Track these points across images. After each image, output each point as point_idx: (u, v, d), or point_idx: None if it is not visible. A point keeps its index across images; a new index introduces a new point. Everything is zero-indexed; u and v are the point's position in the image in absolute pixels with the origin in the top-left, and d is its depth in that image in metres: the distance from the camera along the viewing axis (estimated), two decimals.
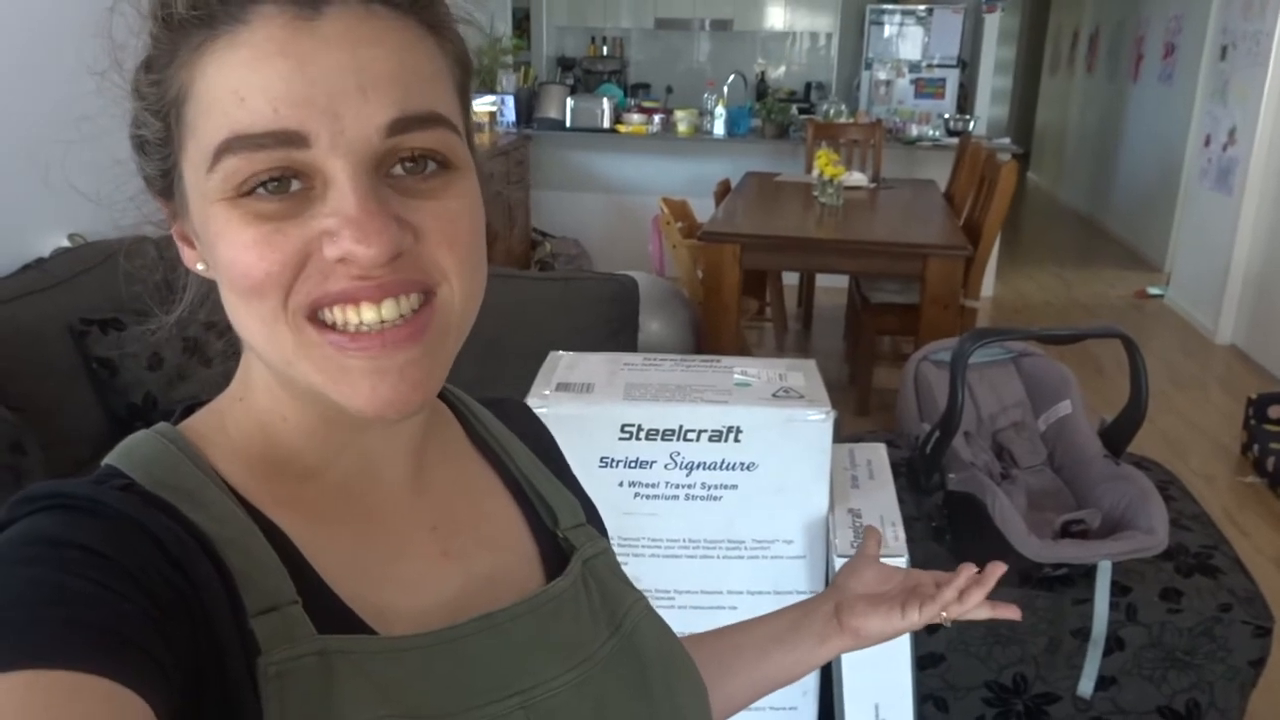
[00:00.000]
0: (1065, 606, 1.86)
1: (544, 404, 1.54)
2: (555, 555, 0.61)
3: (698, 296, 3.68)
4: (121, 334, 2.28)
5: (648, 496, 1.56)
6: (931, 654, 1.93)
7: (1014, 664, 1.90)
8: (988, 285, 5.22)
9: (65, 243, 2.55)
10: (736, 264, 3.33)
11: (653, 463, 1.54)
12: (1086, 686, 1.80)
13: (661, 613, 1.74)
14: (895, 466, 1.91)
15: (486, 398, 0.68)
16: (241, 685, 0.43)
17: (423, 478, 0.57)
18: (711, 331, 3.47)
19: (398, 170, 0.46)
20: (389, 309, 0.46)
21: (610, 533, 1.69)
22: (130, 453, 0.49)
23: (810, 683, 1.65)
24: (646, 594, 1.71)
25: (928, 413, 1.99)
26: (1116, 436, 1.94)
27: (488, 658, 0.52)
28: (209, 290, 0.53)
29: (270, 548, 0.47)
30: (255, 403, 0.52)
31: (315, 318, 0.46)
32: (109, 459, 0.49)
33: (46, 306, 2.24)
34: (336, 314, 0.46)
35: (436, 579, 0.54)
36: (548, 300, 2.50)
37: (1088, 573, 1.81)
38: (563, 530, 0.62)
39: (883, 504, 1.57)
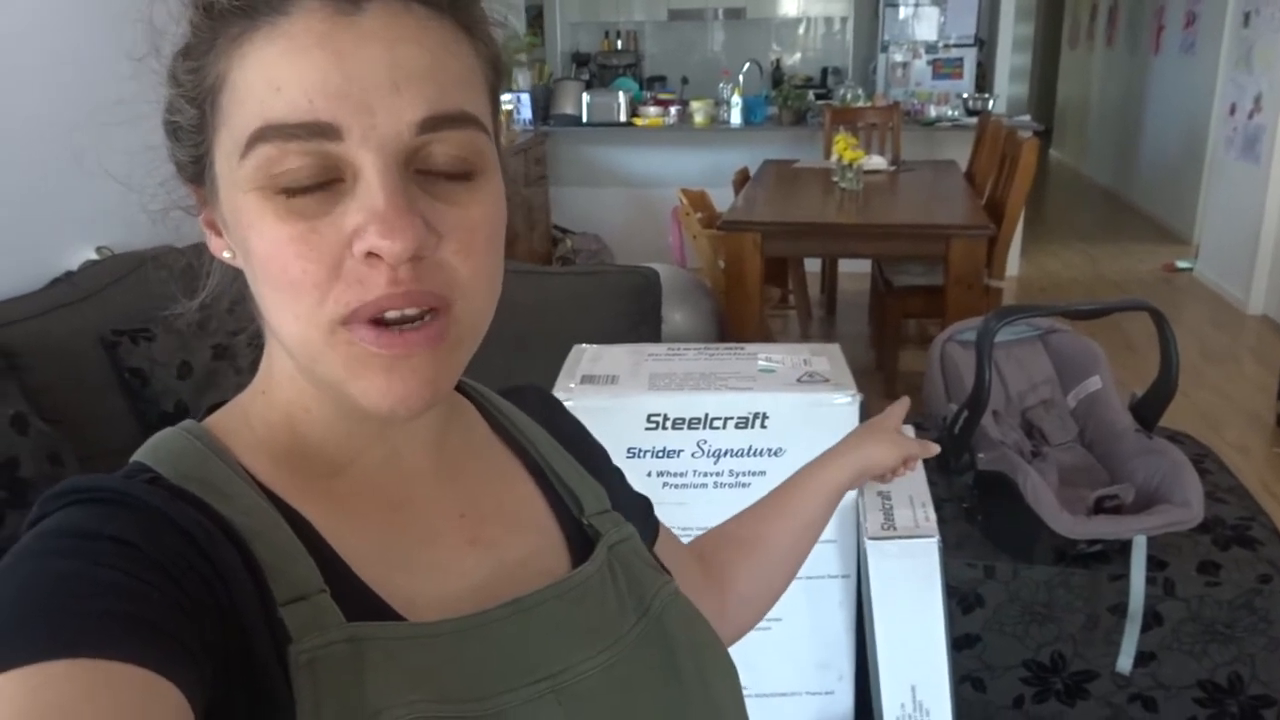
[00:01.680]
0: (1101, 583, 1.84)
1: (569, 397, 1.55)
2: (581, 542, 0.61)
3: (720, 286, 3.67)
4: (152, 344, 2.31)
5: (676, 486, 1.56)
6: (967, 635, 1.92)
7: (1051, 642, 1.89)
8: (1012, 265, 5.18)
9: (93, 255, 2.59)
10: (758, 252, 3.32)
11: (680, 451, 1.55)
12: (1125, 663, 1.78)
13: None
14: None
15: (505, 388, 0.69)
16: (273, 674, 0.44)
17: (448, 467, 0.58)
18: (735, 321, 3.47)
19: (426, 169, 0.47)
20: (411, 310, 0.47)
21: None
22: (157, 449, 0.50)
23: (845, 667, 1.64)
24: None
25: (955, 393, 1.98)
26: (1148, 411, 1.92)
27: (517, 642, 0.52)
28: (233, 277, 0.54)
29: (296, 538, 0.48)
30: (278, 395, 0.53)
31: (346, 320, 0.47)
32: (137, 455, 0.50)
33: (77, 319, 2.28)
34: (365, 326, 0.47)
35: (465, 566, 0.55)
36: (571, 295, 2.51)
37: (1123, 548, 1.79)
38: (588, 517, 0.62)
39: (912, 485, 1.56)
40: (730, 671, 0.63)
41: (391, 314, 0.46)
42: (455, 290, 0.48)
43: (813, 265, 5.04)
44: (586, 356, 1.71)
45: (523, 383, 0.72)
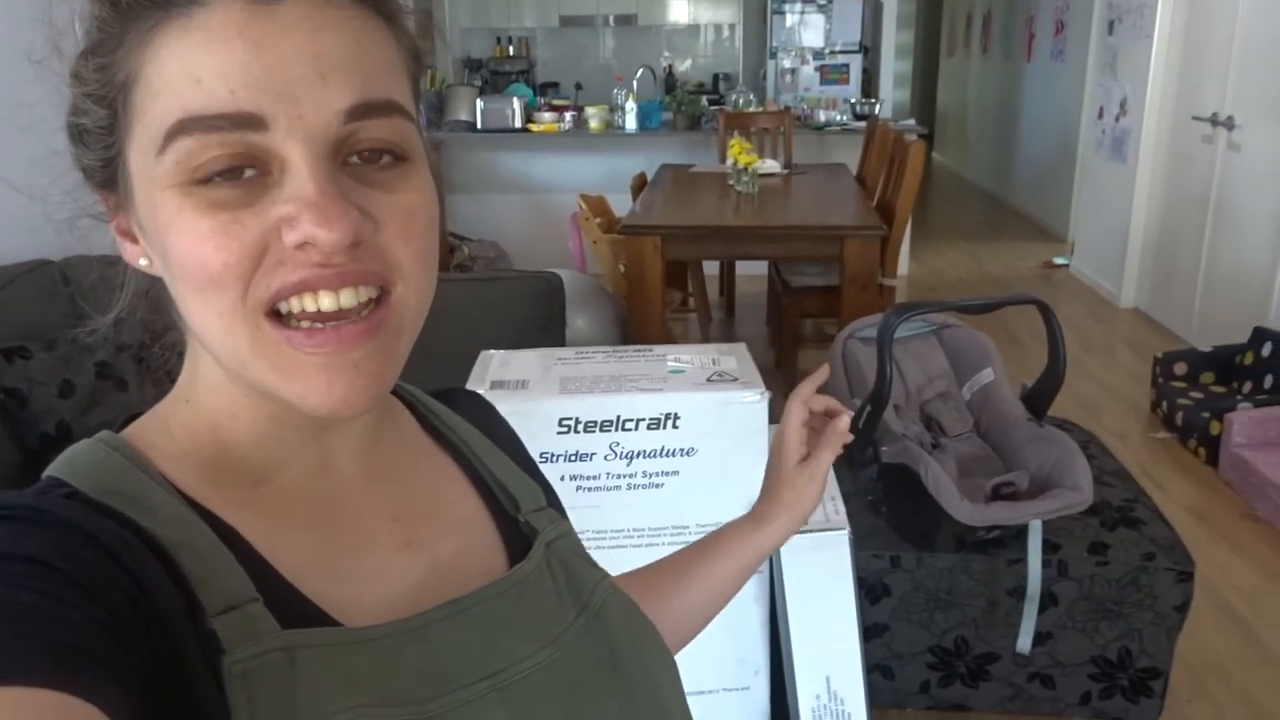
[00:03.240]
0: (1000, 568, 1.92)
1: None
2: (518, 540, 0.60)
3: (621, 290, 3.68)
4: (29, 362, 2.19)
5: (590, 489, 1.56)
6: (876, 624, 1.98)
7: (955, 627, 1.96)
8: (902, 264, 5.34)
9: None
10: (658, 255, 3.35)
11: (593, 454, 1.54)
12: (1025, 643, 1.86)
13: None
14: None
15: (437, 389, 0.67)
16: (207, 687, 0.43)
17: (380, 470, 0.56)
18: (638, 324, 3.48)
19: (354, 160, 0.45)
20: (347, 297, 0.45)
21: None
22: (73, 462, 0.48)
23: (760, 661, 1.67)
24: None
25: (858, 388, 2.03)
26: (1038, 400, 2.01)
27: (457, 642, 0.51)
28: (147, 287, 0.52)
29: (225, 548, 0.46)
30: (203, 403, 0.51)
31: (273, 313, 0.45)
32: (51, 470, 0.47)
33: None
34: (293, 302, 0.45)
35: (401, 569, 0.54)
36: (473, 301, 2.48)
37: (1020, 533, 1.87)
38: (524, 515, 0.61)
39: None
40: (670, 664, 0.63)
41: (326, 301, 0.44)
42: (395, 273, 0.47)
43: (711, 268, 5.11)
44: (495, 362, 1.69)
45: (454, 387, 0.71)
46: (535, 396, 1.55)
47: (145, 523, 0.45)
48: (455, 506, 0.60)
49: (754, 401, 1.53)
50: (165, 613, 0.42)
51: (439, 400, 0.65)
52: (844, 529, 1.45)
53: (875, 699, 2.05)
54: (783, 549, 1.48)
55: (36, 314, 2.26)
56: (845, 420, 0.84)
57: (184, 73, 0.43)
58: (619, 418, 1.53)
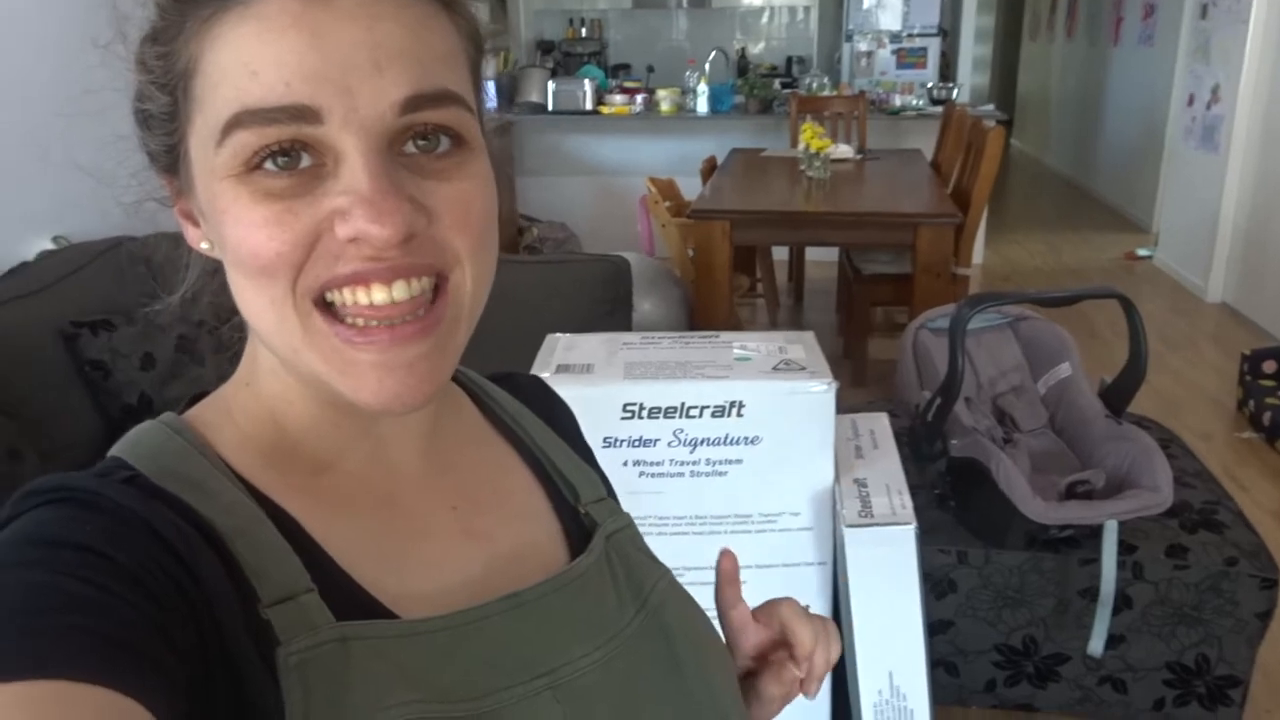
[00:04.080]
0: (1072, 568, 1.86)
1: None
2: (578, 531, 0.59)
3: (689, 275, 3.66)
4: (113, 335, 2.25)
5: (652, 475, 1.55)
6: (940, 620, 1.94)
7: (1023, 626, 1.91)
8: (977, 253, 5.22)
9: (50, 245, 2.52)
10: (727, 240, 3.32)
11: (656, 440, 1.54)
12: (1096, 646, 1.80)
13: None
14: (896, 436, 1.90)
15: (498, 374, 0.66)
16: (259, 678, 0.42)
17: (440, 459, 0.56)
18: (704, 309, 3.46)
19: (410, 149, 0.45)
20: (400, 290, 0.45)
21: None
22: (136, 443, 0.48)
23: None
24: None
25: (928, 380, 1.99)
26: (1117, 396, 1.95)
27: (513, 638, 0.51)
28: (214, 270, 0.52)
29: (281, 536, 0.46)
30: (262, 388, 0.51)
31: (323, 303, 0.45)
32: (115, 449, 0.48)
33: (35, 310, 2.21)
34: (345, 295, 0.45)
35: (459, 560, 0.53)
36: (540, 284, 2.48)
37: (1094, 533, 1.81)
38: (584, 505, 0.61)
39: (888, 473, 1.56)
40: (728, 663, 0.61)
41: (380, 297, 0.44)
42: (452, 261, 0.46)
43: (780, 253, 5.05)
44: (561, 345, 1.69)
45: (515, 371, 0.69)
46: (600, 381, 1.54)
47: (204, 509, 0.45)
48: (515, 496, 0.59)
49: (821, 391, 1.51)
50: (218, 603, 0.42)
51: (500, 385, 0.65)
52: (910, 524, 1.42)
53: (939, 695, 2.01)
54: (847, 542, 1.46)
55: (115, 290, 2.32)
56: (791, 673, 0.64)
57: (240, 63, 0.43)
58: (683, 404, 1.52)
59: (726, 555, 0.71)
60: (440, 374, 0.47)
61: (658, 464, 1.55)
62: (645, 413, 1.53)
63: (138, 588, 0.39)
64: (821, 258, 5.08)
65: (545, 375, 1.57)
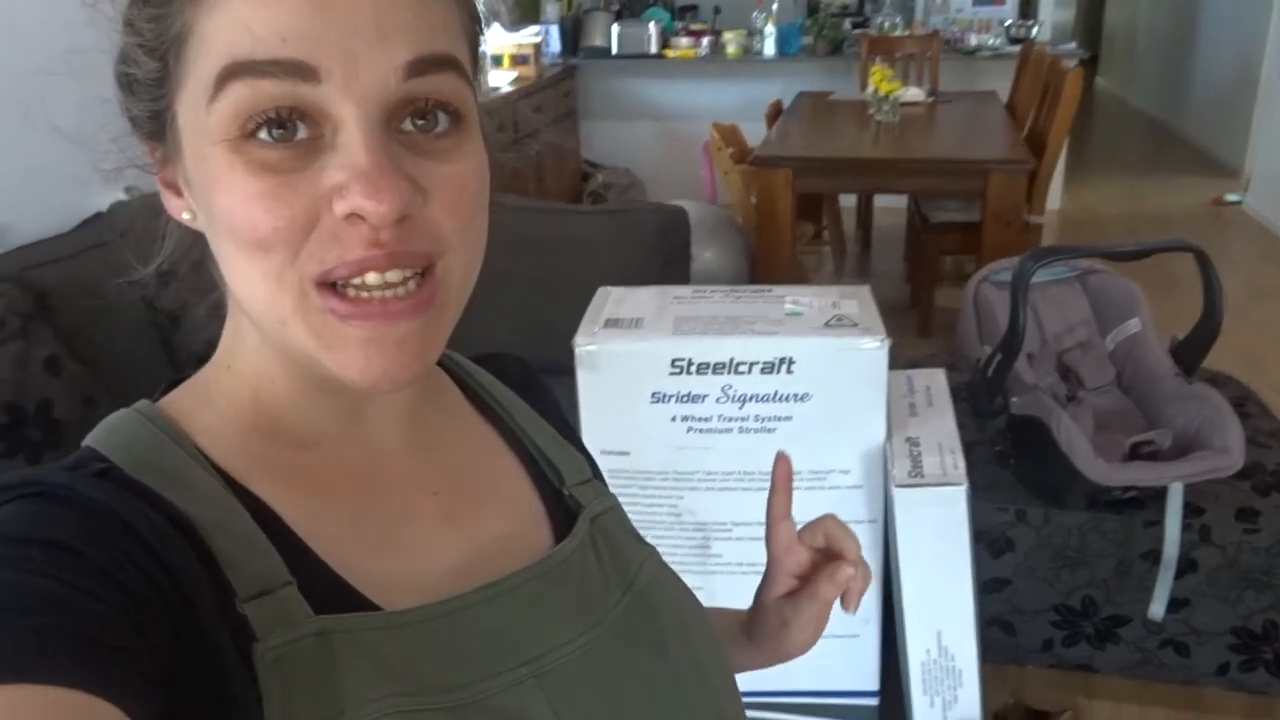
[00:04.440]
0: (1135, 529, 1.82)
1: (593, 341, 1.53)
2: (562, 514, 0.59)
3: (751, 223, 3.61)
4: (180, 285, 2.31)
5: (701, 430, 1.54)
6: (997, 579, 1.91)
7: (1082, 587, 1.87)
8: (1053, 199, 5.05)
9: (123, 196, 2.59)
10: (789, 188, 3.26)
11: (705, 396, 1.53)
12: (1158, 610, 1.76)
13: (719, 546, 1.73)
14: (955, 391, 1.86)
15: (481, 355, 0.65)
16: (237, 675, 0.42)
17: (422, 442, 0.55)
18: (766, 258, 3.42)
19: (408, 126, 0.44)
20: (395, 275, 0.44)
21: (665, 467, 1.67)
22: (110, 434, 0.47)
23: (872, 610, 1.64)
24: (703, 528, 1.69)
25: (989, 335, 1.94)
26: (1189, 354, 1.88)
27: (495, 626, 0.50)
28: (192, 241, 0.51)
29: (259, 528, 0.45)
30: (243, 367, 0.50)
31: (321, 283, 0.44)
32: (89, 440, 0.47)
33: (108, 260, 2.28)
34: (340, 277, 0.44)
35: (441, 545, 0.52)
36: (597, 234, 2.47)
37: (1158, 494, 1.76)
38: (569, 488, 0.60)
39: (942, 431, 1.53)
40: (717, 643, 0.61)
41: (373, 278, 0.43)
42: (442, 246, 0.45)
43: (848, 199, 4.95)
44: (611, 299, 1.68)
45: (499, 351, 0.68)
46: (648, 336, 1.53)
47: (179, 501, 0.44)
48: (498, 479, 0.59)
49: (873, 349, 1.47)
50: (195, 599, 0.42)
51: (484, 366, 0.64)
52: (962, 484, 1.40)
53: (994, 654, 2.00)
54: (897, 502, 1.44)
55: (187, 242, 2.38)
56: (846, 571, 0.70)
57: (236, 20, 0.41)
58: (732, 360, 1.51)
59: (782, 459, 0.73)
60: (429, 352, 0.47)
61: (706, 420, 1.54)
62: (694, 368, 1.52)
63: (111, 585, 0.39)
64: (891, 204, 4.96)
65: (595, 329, 1.56)
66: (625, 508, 1.77)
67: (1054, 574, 1.88)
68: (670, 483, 1.58)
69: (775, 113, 4.30)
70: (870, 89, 3.94)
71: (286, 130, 0.42)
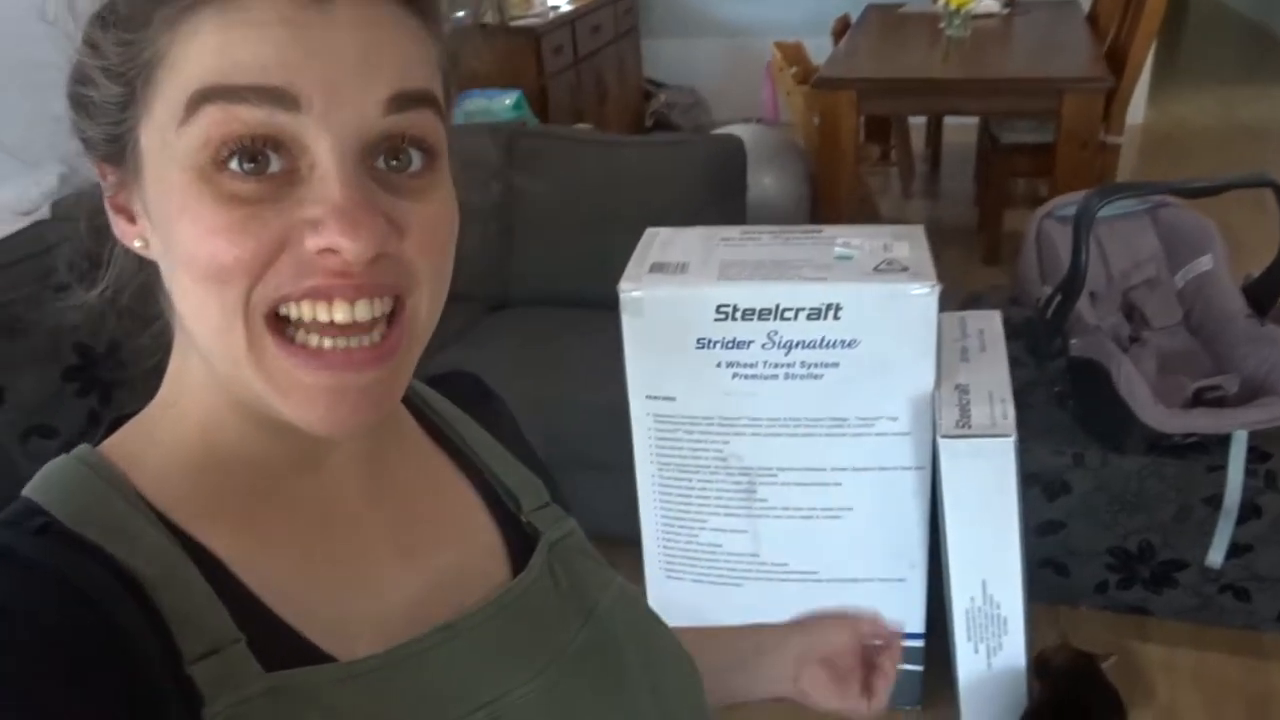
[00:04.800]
0: (1197, 474, 1.77)
1: (638, 287, 1.52)
2: (520, 541, 0.57)
3: (814, 146, 3.52)
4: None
5: (746, 377, 1.54)
6: (1051, 521, 1.89)
7: (1139, 531, 1.84)
8: (1137, 112, 4.81)
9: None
10: (854, 110, 3.15)
11: (750, 343, 1.51)
12: (1216, 558, 1.73)
13: (764, 490, 1.73)
14: (1016, 326, 1.81)
15: (434, 376, 0.63)
16: None
17: (376, 477, 0.53)
18: (828, 184, 3.33)
19: (380, 164, 0.43)
20: (362, 310, 0.43)
21: (710, 412, 1.67)
22: (48, 485, 0.45)
23: (918, 555, 1.64)
24: (749, 473, 1.69)
25: (1050, 274, 1.88)
26: (1263, 293, 1.79)
27: (451, 670, 0.49)
28: (138, 269, 0.49)
29: (206, 583, 0.44)
30: (190, 407, 0.48)
31: (275, 318, 0.43)
32: (27, 490, 0.45)
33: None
34: (304, 309, 0.42)
35: (397, 582, 0.51)
36: (650, 166, 2.43)
37: (1222, 439, 1.71)
38: (526, 514, 0.59)
39: (993, 379, 1.50)
40: (684, 671, 0.59)
41: (340, 314, 0.42)
42: (411, 283, 0.44)
43: (918, 117, 4.78)
44: (658, 241, 1.67)
45: (452, 370, 0.66)
46: (694, 282, 1.52)
47: (123, 556, 0.43)
48: (454, 511, 0.57)
49: (922, 294, 1.44)
50: (142, 661, 0.40)
51: (437, 388, 0.62)
52: (1009, 436, 1.37)
53: (1048, 595, 1.98)
54: (943, 452, 1.42)
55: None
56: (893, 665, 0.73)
57: (214, 47, 0.40)
58: (778, 306, 1.49)
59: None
60: (392, 398, 0.46)
61: (751, 366, 1.53)
62: (739, 315, 1.51)
63: (55, 648, 0.38)
64: (963, 120, 4.78)
65: (640, 274, 1.55)
66: (670, 454, 1.78)
67: (1110, 517, 1.85)
68: (716, 428, 1.59)
69: (843, 28, 4.14)
70: (942, 1, 3.76)
71: (258, 163, 0.41)
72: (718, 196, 2.36)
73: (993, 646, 1.53)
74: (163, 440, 0.48)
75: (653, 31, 5.60)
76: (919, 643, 1.73)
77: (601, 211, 2.39)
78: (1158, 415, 1.61)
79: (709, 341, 1.53)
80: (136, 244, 0.46)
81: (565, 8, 4.34)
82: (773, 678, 0.73)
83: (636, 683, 0.55)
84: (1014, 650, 1.53)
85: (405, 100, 0.42)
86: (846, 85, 3.17)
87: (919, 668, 1.75)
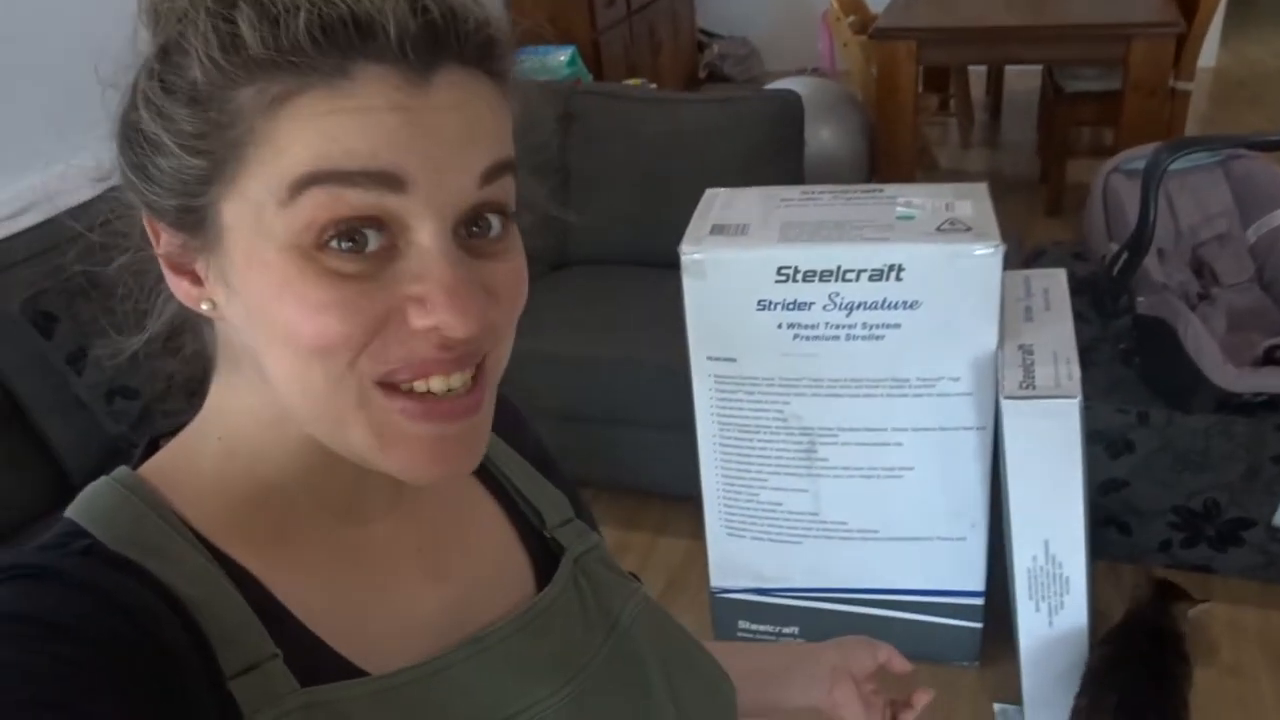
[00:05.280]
0: (1268, 432, 1.74)
1: (698, 249, 1.53)
2: (545, 557, 0.59)
3: (870, 97, 3.47)
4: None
5: (807, 338, 1.54)
6: (1114, 479, 1.88)
7: (1205, 490, 1.82)
8: (1209, 55, 4.64)
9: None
10: (913, 61, 3.10)
11: (811, 304, 1.52)
12: None
13: (825, 450, 1.75)
14: (1081, 282, 1.79)
15: None
16: None
17: (405, 499, 0.54)
18: (886, 137, 3.28)
19: (463, 232, 0.44)
20: (457, 379, 0.44)
21: (771, 373, 1.68)
22: (91, 507, 0.46)
23: (979, 515, 1.64)
24: (809, 433, 1.70)
25: (1117, 231, 1.84)
26: None
27: (479, 685, 0.50)
28: (186, 320, 0.49)
29: (244, 602, 0.45)
30: (239, 443, 0.49)
31: (383, 383, 0.44)
32: (69, 512, 0.46)
33: None
34: (403, 380, 0.44)
35: (424, 603, 0.52)
36: (707, 124, 2.42)
37: None
38: (550, 530, 0.60)
39: (1057, 339, 1.49)
40: (708, 681, 0.60)
41: (436, 386, 0.44)
42: (496, 344, 0.46)
43: (978, 66, 4.67)
44: (719, 202, 1.67)
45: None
46: (754, 244, 1.52)
47: (165, 576, 0.44)
48: (481, 528, 0.58)
49: (986, 255, 1.43)
50: (185, 677, 0.41)
51: None
52: (1075, 396, 1.36)
53: (1110, 552, 1.98)
54: (1006, 413, 1.42)
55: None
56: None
57: (321, 132, 0.40)
58: (839, 268, 1.49)
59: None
60: (484, 443, 0.48)
61: (812, 327, 1.54)
62: (800, 276, 1.51)
63: (103, 662, 0.39)
64: (1024, 69, 4.66)
65: (700, 236, 1.56)
66: (731, 414, 1.80)
67: (1175, 476, 1.83)
68: (777, 389, 1.60)
69: None
70: None
71: (357, 242, 0.41)
72: (776, 154, 2.35)
73: (1054, 605, 1.54)
74: (205, 470, 0.49)
75: None
76: (978, 600, 1.74)
77: (658, 170, 2.39)
78: (1227, 375, 1.58)
79: (770, 303, 1.54)
80: (204, 307, 0.46)
81: None
82: (807, 686, 0.75)
83: (661, 692, 0.56)
84: (1076, 609, 1.53)
85: (497, 170, 0.43)
86: (905, 35, 3.12)
87: (978, 624, 1.76)
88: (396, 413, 0.44)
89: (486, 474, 0.60)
